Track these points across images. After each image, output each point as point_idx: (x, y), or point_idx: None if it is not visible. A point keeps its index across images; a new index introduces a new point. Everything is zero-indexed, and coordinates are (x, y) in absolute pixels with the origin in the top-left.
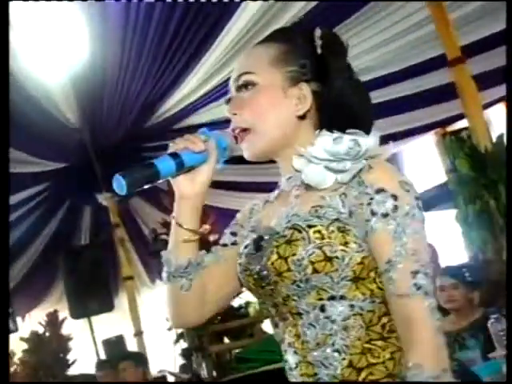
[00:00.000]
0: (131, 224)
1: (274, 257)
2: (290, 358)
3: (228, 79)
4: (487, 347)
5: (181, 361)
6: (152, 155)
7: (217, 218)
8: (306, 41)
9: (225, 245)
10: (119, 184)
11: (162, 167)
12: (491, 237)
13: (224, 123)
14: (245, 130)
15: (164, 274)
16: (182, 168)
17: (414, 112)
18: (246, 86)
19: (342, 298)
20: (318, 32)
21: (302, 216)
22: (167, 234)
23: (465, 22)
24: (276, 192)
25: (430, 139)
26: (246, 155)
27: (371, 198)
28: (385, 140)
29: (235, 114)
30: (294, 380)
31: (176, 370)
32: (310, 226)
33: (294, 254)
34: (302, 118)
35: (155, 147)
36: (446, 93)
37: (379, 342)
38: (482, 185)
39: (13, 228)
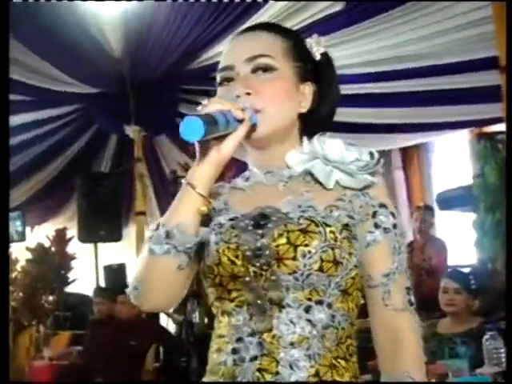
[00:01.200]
0: (152, 160)
1: (282, 240)
2: (246, 350)
3: None
4: (476, 359)
5: None
6: (186, 97)
7: (238, 171)
8: (303, 44)
9: None
10: (197, 127)
11: (220, 123)
12: (503, 248)
13: None
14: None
15: (163, 247)
16: (225, 130)
17: (454, 107)
18: (265, 68)
19: (329, 305)
20: (317, 39)
21: (318, 211)
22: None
23: None
24: (246, 183)
25: (463, 136)
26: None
27: (375, 211)
28: (420, 128)
29: (249, 94)
30: (237, 373)
31: (170, 310)
32: (326, 224)
33: (306, 245)
34: (298, 116)
35: (191, 90)
36: (490, 94)
37: (343, 362)
38: (506, 197)
39: (39, 142)
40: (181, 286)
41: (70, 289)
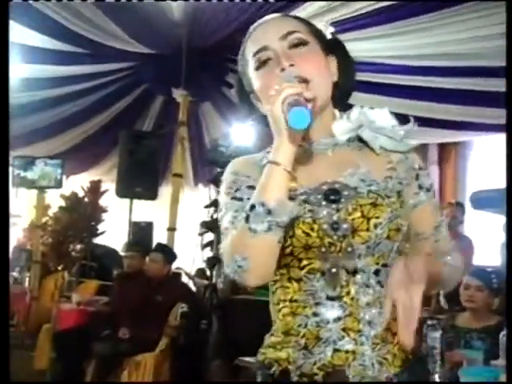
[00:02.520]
0: (194, 125)
1: (357, 214)
2: (328, 311)
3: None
4: (491, 353)
5: (198, 265)
6: (234, 68)
7: None
8: (316, 26)
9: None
10: (304, 118)
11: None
12: None
13: None
14: (303, 82)
15: (265, 224)
16: None
17: (497, 109)
18: (299, 43)
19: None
20: (324, 23)
21: (380, 184)
22: (227, 146)
23: None
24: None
25: (503, 139)
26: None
27: (418, 174)
28: (461, 126)
29: (292, 65)
30: (321, 334)
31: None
32: (387, 196)
33: (377, 217)
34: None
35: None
36: None
37: None
38: None
39: (88, 94)
40: (276, 259)
41: (98, 240)
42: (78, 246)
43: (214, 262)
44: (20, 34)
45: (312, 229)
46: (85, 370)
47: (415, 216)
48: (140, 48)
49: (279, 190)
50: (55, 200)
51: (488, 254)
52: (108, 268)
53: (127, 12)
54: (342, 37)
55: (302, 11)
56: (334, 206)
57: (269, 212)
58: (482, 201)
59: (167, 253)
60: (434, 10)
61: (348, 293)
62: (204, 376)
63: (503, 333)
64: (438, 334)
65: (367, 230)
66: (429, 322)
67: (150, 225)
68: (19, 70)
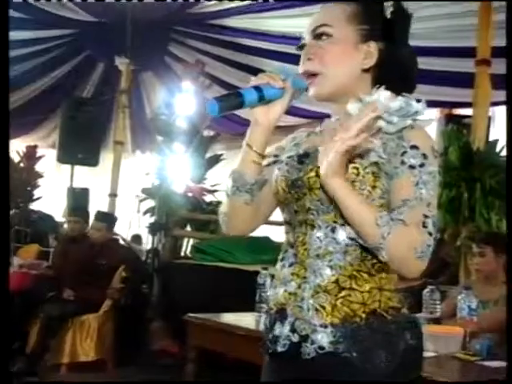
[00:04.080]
0: (135, 92)
1: (312, 174)
2: (287, 258)
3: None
4: (414, 308)
5: (133, 232)
6: (177, 38)
7: None
8: (376, 5)
9: (268, 165)
10: (213, 107)
11: (246, 98)
12: (453, 222)
13: (256, 34)
14: (315, 75)
15: (231, 188)
16: (262, 100)
17: (430, 86)
18: (323, 36)
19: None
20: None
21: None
22: (169, 115)
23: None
24: (321, 127)
25: (433, 115)
26: (314, 94)
27: (405, 151)
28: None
29: (310, 59)
30: (281, 276)
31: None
32: (350, 161)
33: None
34: (365, 71)
35: (183, 32)
36: (463, 80)
37: (365, 275)
38: (462, 177)
39: (29, 58)
40: (250, 216)
41: (34, 206)
42: (12, 211)
43: (156, 227)
44: None
45: (287, 185)
46: (29, 332)
47: (392, 187)
48: (84, 16)
49: (244, 165)
50: None
51: None
52: (43, 233)
53: None
54: (283, 13)
55: None
56: (299, 166)
57: (233, 180)
58: None
59: (109, 221)
60: None
61: (303, 244)
62: (145, 336)
63: (426, 290)
64: None
65: (319, 188)
66: None
67: (85, 190)
68: None
